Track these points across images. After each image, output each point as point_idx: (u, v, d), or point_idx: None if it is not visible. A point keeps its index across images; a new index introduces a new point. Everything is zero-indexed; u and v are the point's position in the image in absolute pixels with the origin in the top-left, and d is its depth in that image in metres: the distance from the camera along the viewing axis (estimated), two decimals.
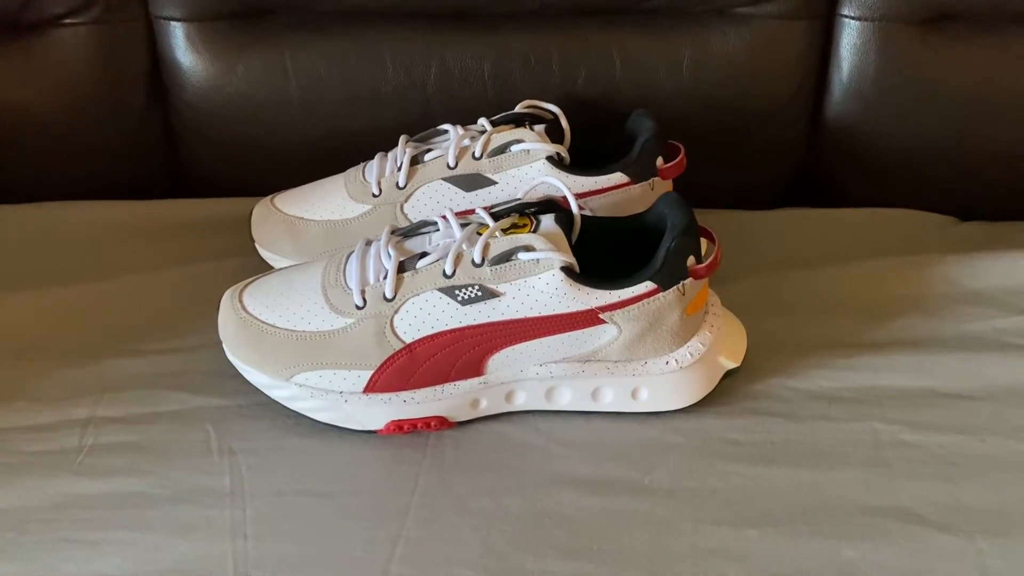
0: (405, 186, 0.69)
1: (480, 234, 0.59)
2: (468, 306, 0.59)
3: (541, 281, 0.58)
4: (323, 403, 0.61)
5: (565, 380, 0.62)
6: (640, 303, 0.59)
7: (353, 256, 0.62)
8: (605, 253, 0.63)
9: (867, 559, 0.55)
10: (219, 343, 0.64)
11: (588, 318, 0.59)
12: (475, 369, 0.61)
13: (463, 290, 0.58)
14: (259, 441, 0.62)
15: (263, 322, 0.62)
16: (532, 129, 0.70)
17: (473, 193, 0.69)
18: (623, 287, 0.59)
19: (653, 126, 0.69)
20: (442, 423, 0.62)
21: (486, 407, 0.63)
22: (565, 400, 0.63)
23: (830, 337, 0.69)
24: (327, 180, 0.74)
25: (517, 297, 0.58)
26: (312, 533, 0.56)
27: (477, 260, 0.58)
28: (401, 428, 0.62)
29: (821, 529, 0.57)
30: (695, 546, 0.56)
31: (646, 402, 0.63)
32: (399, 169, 0.70)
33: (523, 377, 0.61)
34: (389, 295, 0.59)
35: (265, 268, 0.71)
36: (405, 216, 0.69)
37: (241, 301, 0.63)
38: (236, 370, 0.63)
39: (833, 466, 0.60)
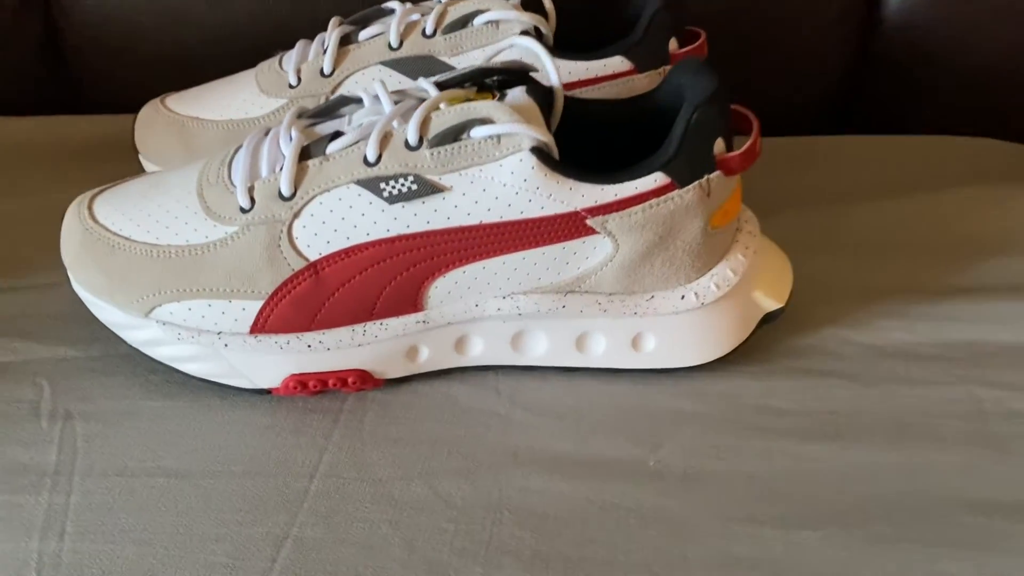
0: (332, 73, 0.52)
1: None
2: (399, 206, 0.41)
3: (503, 170, 0.40)
4: (194, 349, 0.44)
5: (539, 321, 0.44)
6: (646, 204, 0.41)
7: (243, 147, 0.44)
8: (598, 152, 0.45)
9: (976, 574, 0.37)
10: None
11: (571, 225, 0.41)
12: (410, 302, 0.43)
13: (392, 183, 0.41)
14: (106, 403, 0.44)
15: (115, 234, 0.44)
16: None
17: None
18: (621, 180, 0.41)
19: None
20: (364, 380, 0.44)
21: (428, 359, 0.45)
22: (539, 351, 0.45)
23: (899, 281, 0.51)
24: (235, 76, 0.56)
25: (469, 193, 0.41)
26: (159, 530, 0.38)
27: (412, 141, 0.41)
28: (304, 386, 0.44)
29: (908, 532, 0.38)
30: (725, 554, 0.38)
31: (652, 354, 0.45)
32: (324, 52, 0.53)
33: (479, 315, 0.43)
34: (286, 192, 0.42)
35: None
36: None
37: (91, 209, 0.45)
38: (92, 313, 0.46)
39: (922, 445, 0.42)
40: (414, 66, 0.51)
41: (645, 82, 0.51)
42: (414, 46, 0.51)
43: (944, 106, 0.67)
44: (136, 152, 0.56)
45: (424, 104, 0.41)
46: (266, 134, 0.45)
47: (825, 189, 0.59)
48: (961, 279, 0.52)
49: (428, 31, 0.51)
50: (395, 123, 0.42)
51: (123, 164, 0.57)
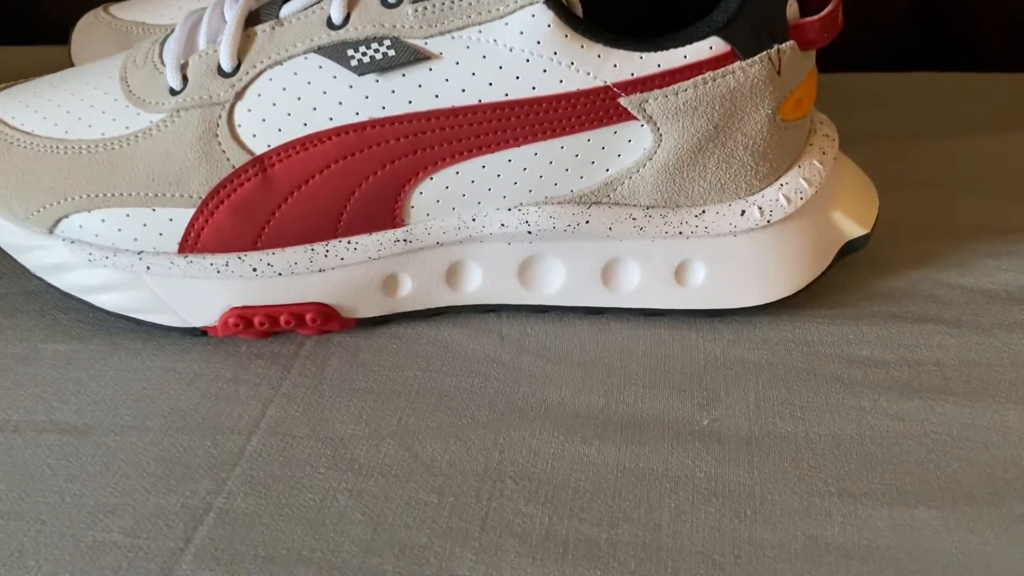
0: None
1: None
2: (371, 79, 0.31)
3: (510, 30, 0.31)
4: (109, 274, 0.34)
5: (554, 244, 0.34)
6: (698, 79, 0.31)
7: (179, 23, 0.35)
8: (632, 22, 0.35)
9: None
10: None
11: (599, 106, 0.31)
12: (387, 213, 0.33)
13: (363, 49, 0.31)
14: None
15: (13, 128, 0.34)
16: None
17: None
18: (665, 47, 0.31)
19: None
20: (326, 318, 0.34)
21: (410, 293, 0.35)
22: (554, 285, 0.35)
23: (990, 219, 0.41)
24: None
25: (464, 62, 0.31)
26: (39, 499, 0.28)
27: None
28: (248, 324, 0.34)
29: None
30: (808, 537, 0.27)
31: (701, 290, 0.34)
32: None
33: (477, 232, 0.33)
34: (227, 66, 0.32)
35: None
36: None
37: None
38: None
39: None
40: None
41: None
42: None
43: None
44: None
45: None
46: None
47: (899, 125, 0.49)
48: None
49: None
50: None
51: None
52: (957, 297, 0.37)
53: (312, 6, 0.32)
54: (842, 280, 0.37)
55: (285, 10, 0.32)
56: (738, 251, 0.34)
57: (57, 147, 0.33)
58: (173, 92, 0.32)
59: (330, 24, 0.32)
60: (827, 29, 0.32)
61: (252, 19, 0.33)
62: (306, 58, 0.32)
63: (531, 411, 0.31)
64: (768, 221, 0.34)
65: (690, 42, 0.31)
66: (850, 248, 0.36)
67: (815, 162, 0.34)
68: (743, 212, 0.33)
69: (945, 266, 0.38)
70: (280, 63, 0.32)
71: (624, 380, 0.33)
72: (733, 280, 0.34)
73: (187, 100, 0.32)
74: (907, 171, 0.45)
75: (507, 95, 0.31)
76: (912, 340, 0.34)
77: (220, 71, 0.32)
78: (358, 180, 0.32)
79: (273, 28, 0.32)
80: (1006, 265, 0.38)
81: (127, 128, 0.33)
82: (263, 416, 0.31)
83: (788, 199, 0.34)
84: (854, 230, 0.35)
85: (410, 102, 0.31)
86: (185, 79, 0.33)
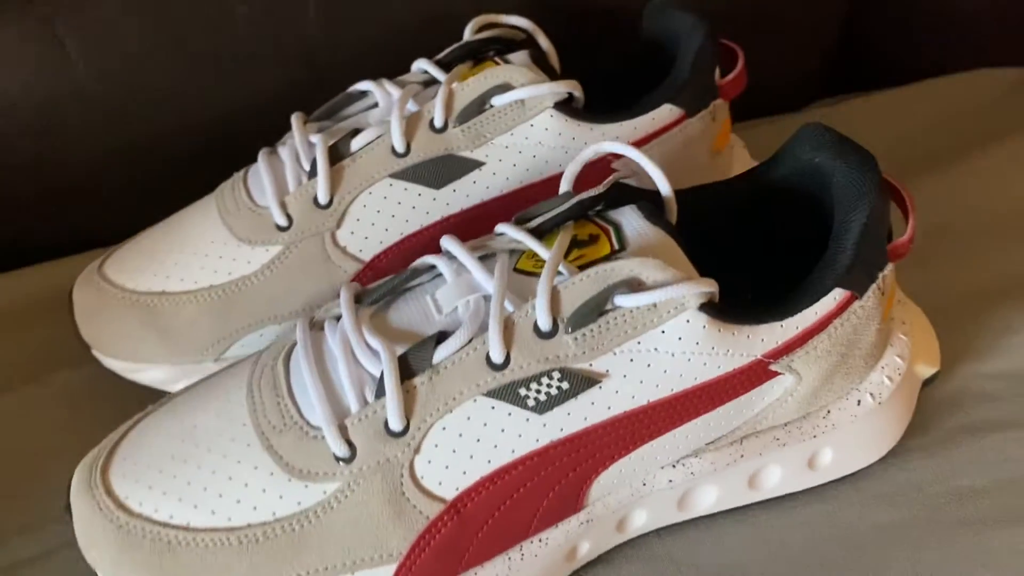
0: (330, 202, 0.41)
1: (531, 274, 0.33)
2: (547, 414, 0.32)
3: (668, 337, 0.32)
4: None
5: (710, 476, 0.37)
6: (830, 328, 0.34)
7: (301, 357, 0.34)
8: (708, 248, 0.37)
9: None
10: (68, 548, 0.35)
11: (753, 375, 0.34)
12: (571, 506, 0.34)
13: (534, 387, 0.32)
14: None
15: (165, 524, 0.33)
16: (510, 62, 0.43)
17: (449, 188, 0.41)
18: (795, 310, 0.34)
19: (698, 22, 0.43)
20: None
21: (587, 552, 0.37)
22: (707, 503, 0.38)
23: (992, 271, 0.47)
24: (185, 214, 0.44)
25: (631, 374, 0.32)
26: None
27: (545, 325, 0.31)
28: None
29: None
30: None
31: (830, 468, 0.38)
32: (310, 175, 0.41)
33: (646, 492, 0.36)
34: (398, 427, 0.32)
35: (125, 385, 0.42)
36: (344, 252, 0.41)
37: (109, 489, 0.34)
38: None
39: None
40: (432, 172, 0.41)
41: (698, 127, 0.43)
42: (426, 146, 0.41)
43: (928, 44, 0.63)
44: (81, 341, 0.43)
45: (544, 275, 0.32)
46: (324, 327, 0.34)
47: None
48: None
49: (438, 123, 0.41)
50: (514, 307, 0.32)
51: (53, 327, 0.45)
52: (1005, 390, 0.42)
53: (464, 348, 0.32)
54: (922, 404, 0.41)
55: (438, 355, 0.32)
56: (857, 431, 0.38)
57: (226, 540, 0.33)
58: (343, 460, 0.32)
59: (492, 365, 0.32)
60: (909, 244, 0.36)
61: (404, 369, 0.32)
62: (475, 400, 0.32)
63: None
64: (879, 402, 0.38)
65: (814, 301, 0.34)
66: (925, 383, 0.40)
67: (900, 335, 0.38)
68: (859, 402, 0.37)
69: (981, 354, 0.43)
70: (450, 411, 0.32)
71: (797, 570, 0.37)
72: (855, 451, 0.38)
73: (363, 467, 0.32)
74: None
75: (673, 390, 0.33)
76: (993, 456, 0.40)
77: (390, 432, 0.32)
78: (545, 492, 0.34)
79: (431, 379, 0.32)
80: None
81: (299, 504, 0.32)
82: None
83: (890, 379, 0.38)
84: (929, 372, 0.40)
85: (585, 418, 0.33)
86: (352, 445, 0.32)
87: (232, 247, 0.41)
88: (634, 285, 0.32)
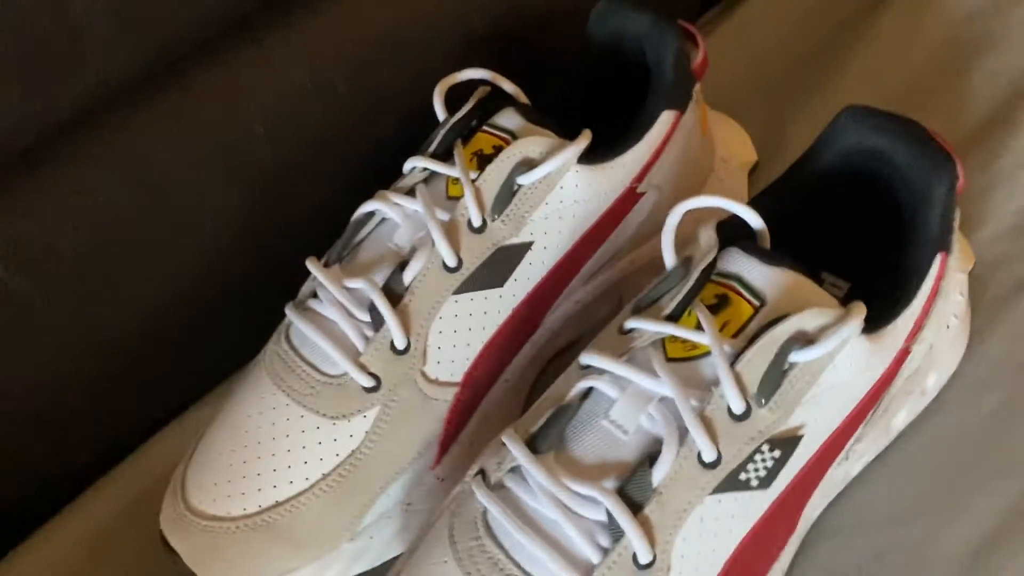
0: (408, 344, 0.39)
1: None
2: (772, 486, 0.34)
3: (838, 369, 0.34)
4: None
5: (865, 444, 0.40)
6: (940, 292, 0.37)
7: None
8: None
9: None
10: None
11: (897, 364, 0.37)
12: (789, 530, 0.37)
13: (751, 468, 0.33)
14: None
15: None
16: (501, 127, 0.41)
17: (511, 280, 0.40)
18: (914, 289, 0.36)
19: (661, 22, 0.42)
20: None
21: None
22: (858, 466, 0.41)
23: None
24: (240, 407, 0.40)
25: (821, 416, 0.34)
26: None
27: (738, 409, 0.32)
28: None
29: None
30: None
31: (934, 388, 0.42)
32: (373, 325, 0.39)
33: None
34: (646, 558, 0.33)
35: None
36: (438, 384, 0.40)
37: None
38: None
39: None
40: (490, 273, 0.40)
41: (691, 120, 0.44)
42: (475, 250, 0.40)
43: None
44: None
45: (718, 360, 0.33)
46: (504, 484, 0.34)
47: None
48: None
49: (476, 223, 0.39)
50: (698, 401, 0.33)
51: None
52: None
53: (675, 460, 0.33)
54: None
55: (655, 479, 0.33)
56: (949, 348, 0.41)
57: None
58: None
59: (705, 464, 0.33)
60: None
61: (629, 502, 0.32)
62: (703, 502, 0.33)
63: None
64: (958, 318, 0.41)
65: (924, 275, 0.36)
66: None
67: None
68: (948, 326, 0.41)
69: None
70: (684, 523, 0.33)
71: None
72: (950, 365, 0.42)
73: None
74: None
75: (849, 409, 0.35)
76: None
77: (639, 565, 0.33)
78: (780, 546, 0.36)
79: (658, 503, 0.33)
80: None
81: None
82: None
83: (963, 294, 0.41)
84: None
85: (799, 469, 0.35)
86: None
87: (327, 428, 0.39)
88: (801, 338, 0.33)
